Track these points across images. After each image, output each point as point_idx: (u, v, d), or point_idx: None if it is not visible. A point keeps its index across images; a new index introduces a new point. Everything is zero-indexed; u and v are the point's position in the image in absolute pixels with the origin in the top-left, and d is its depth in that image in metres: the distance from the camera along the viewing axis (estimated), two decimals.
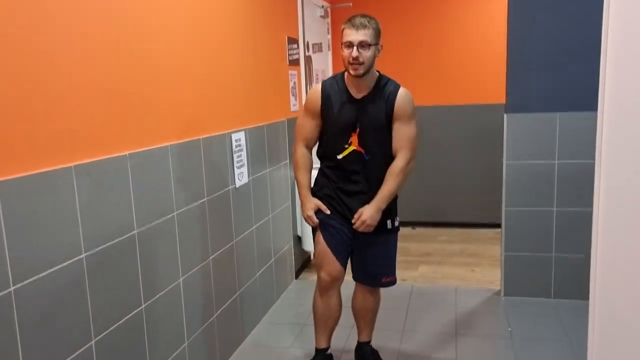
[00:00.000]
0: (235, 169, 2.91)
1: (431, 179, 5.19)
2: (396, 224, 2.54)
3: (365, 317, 2.67)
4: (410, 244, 4.73)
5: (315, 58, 4.59)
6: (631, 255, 1.00)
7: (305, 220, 2.52)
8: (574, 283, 3.30)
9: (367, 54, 2.27)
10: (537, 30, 3.24)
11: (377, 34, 2.31)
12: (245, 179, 3.04)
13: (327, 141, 2.48)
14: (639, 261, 0.95)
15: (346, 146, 2.41)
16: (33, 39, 1.58)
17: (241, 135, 2.99)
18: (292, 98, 3.89)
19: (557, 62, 3.23)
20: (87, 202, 1.78)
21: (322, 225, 2.49)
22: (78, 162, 1.75)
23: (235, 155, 2.91)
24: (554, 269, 3.41)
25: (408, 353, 2.76)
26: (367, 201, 2.42)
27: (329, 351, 2.65)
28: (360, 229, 2.40)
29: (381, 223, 2.44)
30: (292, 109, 3.91)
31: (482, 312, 3.35)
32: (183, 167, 2.38)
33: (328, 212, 2.46)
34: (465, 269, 4.14)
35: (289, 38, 3.84)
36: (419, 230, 5.16)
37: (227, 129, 2.84)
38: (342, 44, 2.31)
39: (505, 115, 3.36)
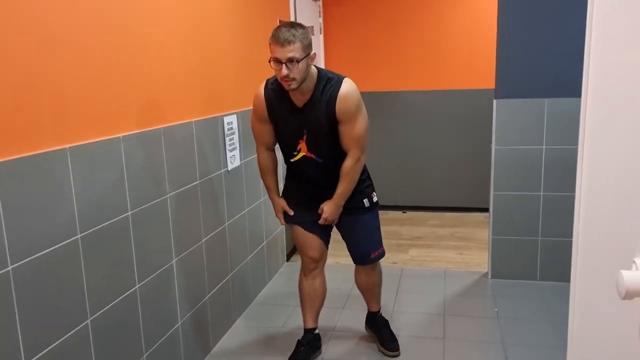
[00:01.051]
0: (227, 152, 2.93)
1: (422, 163, 5.24)
2: (374, 199, 2.61)
3: (371, 291, 2.81)
4: (401, 227, 4.79)
5: None
6: (609, 238, 1.04)
7: (279, 220, 2.65)
8: (558, 266, 3.37)
9: (297, 69, 2.16)
10: (527, 18, 3.27)
11: (306, 45, 2.19)
12: (237, 162, 3.07)
13: (280, 145, 2.54)
14: (615, 244, 0.99)
15: (295, 153, 2.45)
16: (26, 21, 1.59)
17: (233, 119, 3.01)
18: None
19: (546, 48, 3.26)
20: (82, 184, 1.80)
21: (294, 220, 2.61)
22: (73, 144, 1.77)
23: (227, 139, 2.93)
24: (540, 252, 3.49)
25: (397, 333, 2.82)
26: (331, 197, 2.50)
27: (316, 331, 2.74)
28: (322, 223, 2.51)
29: (358, 204, 2.54)
30: None
31: (470, 294, 3.42)
32: (175, 149, 2.40)
33: (292, 213, 2.58)
34: (454, 252, 4.22)
35: (280, 21, 3.83)
36: (410, 214, 5.22)
37: (219, 112, 2.86)
38: (270, 60, 2.20)
39: (494, 101, 3.40)
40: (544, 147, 3.36)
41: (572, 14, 3.14)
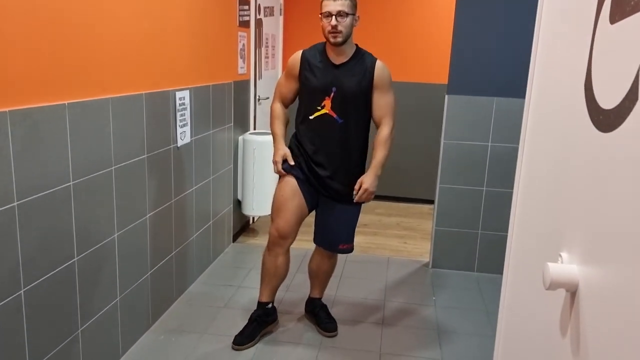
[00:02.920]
0: (177, 128, 2.88)
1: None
2: None
3: (320, 277, 2.85)
4: None
5: (267, 22, 4.54)
6: (540, 233, 1.10)
7: (274, 165, 2.61)
8: (495, 259, 3.52)
9: (345, 22, 2.40)
10: (481, 20, 3.36)
11: (354, 4, 2.45)
12: (187, 139, 3.02)
13: (302, 103, 2.59)
14: (545, 239, 1.05)
15: (319, 108, 2.51)
16: None
17: (185, 94, 2.95)
18: (240, 60, 3.85)
19: (497, 50, 3.36)
20: (21, 150, 1.73)
21: (285, 179, 2.58)
22: (13, 108, 1.69)
23: (178, 114, 2.87)
24: (479, 244, 3.63)
25: (338, 318, 2.88)
26: (335, 173, 2.53)
27: (269, 305, 2.74)
28: (363, 198, 2.52)
29: (348, 192, 2.55)
30: (240, 71, 3.87)
31: (411, 282, 3.52)
32: (123, 121, 2.34)
33: (292, 163, 2.57)
34: (398, 241, 4.32)
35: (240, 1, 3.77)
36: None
37: (172, 86, 2.80)
38: (320, 15, 2.43)
39: (446, 96, 3.48)
40: (489, 144, 3.48)
41: (523, 20, 3.25)
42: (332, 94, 2.48)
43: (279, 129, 2.63)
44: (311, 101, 2.53)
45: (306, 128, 2.56)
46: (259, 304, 2.73)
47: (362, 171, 2.57)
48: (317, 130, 2.53)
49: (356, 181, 2.54)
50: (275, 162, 2.59)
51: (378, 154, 2.54)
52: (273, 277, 2.68)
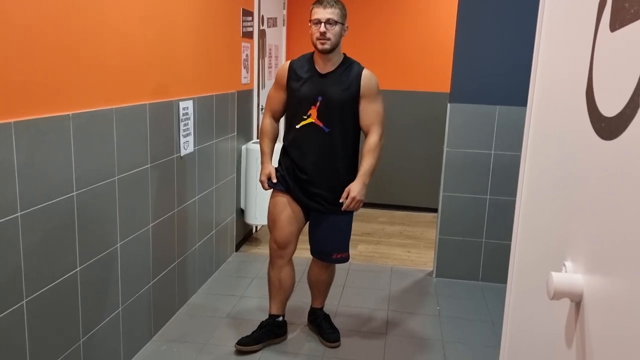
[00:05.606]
0: (181, 137, 2.88)
1: None
2: None
3: (320, 288, 2.85)
4: None
5: (270, 32, 4.56)
6: (543, 242, 1.09)
7: (261, 184, 2.68)
8: (500, 268, 3.49)
9: (333, 30, 2.42)
10: (482, 28, 3.36)
11: (344, 14, 2.48)
12: (190, 148, 3.02)
13: (290, 112, 2.61)
14: (549, 248, 1.04)
15: (305, 117, 2.52)
16: None
17: (189, 104, 2.96)
18: (243, 70, 3.87)
19: (499, 59, 3.36)
20: (25, 161, 1.74)
21: (274, 194, 2.64)
22: (18, 119, 1.70)
23: (182, 124, 2.88)
24: (483, 253, 3.61)
25: (341, 328, 2.86)
26: (321, 180, 2.54)
27: (280, 318, 2.75)
28: (351, 207, 2.52)
29: (335, 201, 2.55)
30: (243, 81, 3.89)
31: (414, 291, 3.50)
32: (127, 131, 2.34)
33: (275, 180, 2.61)
34: (402, 249, 4.30)
35: (244, 10, 3.79)
36: (361, 210, 5.24)
37: (175, 96, 2.81)
38: (310, 22, 2.46)
39: (448, 105, 3.48)
40: (492, 152, 3.47)
41: (525, 28, 3.24)
42: (318, 103, 2.50)
43: (267, 145, 2.67)
44: (298, 110, 2.55)
45: (293, 137, 2.58)
46: (269, 316, 2.76)
47: (351, 180, 2.55)
48: (304, 139, 2.55)
49: (344, 190, 2.54)
50: (261, 182, 2.66)
51: (365, 162, 2.54)
52: (279, 290, 2.70)
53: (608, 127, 0.79)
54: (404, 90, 5.16)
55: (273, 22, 4.67)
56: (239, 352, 2.62)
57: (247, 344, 2.63)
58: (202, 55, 3.12)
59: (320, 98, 2.49)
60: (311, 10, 2.46)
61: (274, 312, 2.74)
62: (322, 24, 2.40)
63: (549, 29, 1.16)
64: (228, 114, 3.62)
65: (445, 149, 3.53)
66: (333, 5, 2.42)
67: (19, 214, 1.73)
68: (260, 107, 4.37)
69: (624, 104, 0.73)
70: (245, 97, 3.97)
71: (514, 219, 1.32)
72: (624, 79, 0.73)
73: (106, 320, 2.30)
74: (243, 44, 3.82)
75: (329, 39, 2.42)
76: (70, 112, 1.95)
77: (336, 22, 2.42)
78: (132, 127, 2.39)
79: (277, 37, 4.86)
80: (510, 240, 1.35)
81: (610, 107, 0.78)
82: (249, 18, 3.93)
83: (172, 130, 2.79)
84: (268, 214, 2.68)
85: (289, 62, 2.62)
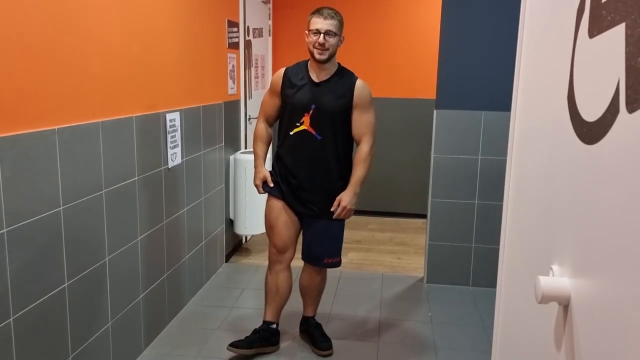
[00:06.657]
0: (168, 149, 2.87)
1: None
2: None
3: (311, 295, 2.84)
4: None
5: (255, 43, 4.57)
6: (531, 246, 1.10)
7: (256, 188, 2.71)
8: (490, 272, 3.49)
9: (331, 41, 2.46)
10: (466, 35, 3.40)
11: (341, 25, 2.53)
12: (178, 160, 3.01)
13: (283, 119, 2.63)
14: (536, 252, 1.05)
15: (298, 124, 2.55)
16: None
17: (176, 116, 2.95)
18: (230, 81, 3.87)
19: (484, 65, 3.40)
20: (10, 176, 1.72)
21: (269, 200, 2.68)
22: (2, 135, 1.68)
23: (169, 136, 2.87)
24: (473, 258, 3.62)
25: (332, 336, 2.85)
26: (313, 187, 2.57)
27: (273, 325, 2.75)
28: (342, 215, 2.56)
29: (327, 207, 2.58)
30: (230, 92, 3.89)
31: (406, 298, 3.50)
32: (113, 144, 2.33)
33: (272, 185, 2.65)
34: (392, 256, 4.30)
35: (229, 21, 3.80)
36: (351, 218, 5.25)
37: (162, 108, 2.80)
38: (308, 31, 2.49)
39: (435, 111, 3.51)
40: (479, 157, 3.50)
41: (509, 34, 3.27)
42: (311, 111, 2.53)
43: (261, 149, 2.71)
44: (291, 117, 2.58)
45: (286, 143, 2.61)
46: (264, 322, 2.76)
47: (343, 187, 2.59)
48: (297, 146, 2.58)
49: (336, 197, 2.57)
50: (256, 186, 2.69)
51: (357, 171, 2.58)
52: (275, 295, 2.71)
53: (590, 132, 0.80)
54: (389, 98, 5.19)
55: (259, 33, 4.68)
56: (231, 352, 2.62)
57: (238, 346, 2.65)
58: (188, 66, 3.12)
59: (313, 106, 2.52)
60: (310, 20, 2.49)
61: (269, 318, 2.74)
62: (322, 35, 2.44)
63: (530, 36, 1.18)
64: (215, 125, 3.62)
65: (432, 155, 3.55)
66: (333, 17, 2.47)
67: (4, 230, 1.71)
68: (248, 117, 4.37)
69: (604, 108, 0.74)
70: (232, 107, 3.97)
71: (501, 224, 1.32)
72: (604, 85, 0.74)
73: (96, 335, 2.27)
74: (229, 54, 3.83)
75: (327, 50, 2.46)
76: (56, 127, 1.94)
77: (335, 34, 2.47)
78: (119, 140, 2.38)
79: (263, 48, 4.87)
80: (499, 245, 1.36)
81: (591, 112, 0.80)
82: (235, 29, 3.94)
83: (159, 143, 2.78)
84: (265, 219, 2.71)
85: (284, 68, 2.65)
